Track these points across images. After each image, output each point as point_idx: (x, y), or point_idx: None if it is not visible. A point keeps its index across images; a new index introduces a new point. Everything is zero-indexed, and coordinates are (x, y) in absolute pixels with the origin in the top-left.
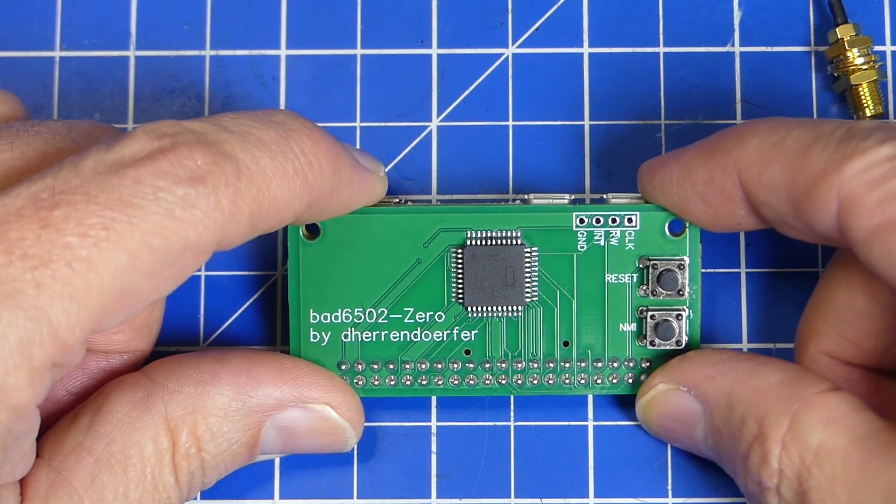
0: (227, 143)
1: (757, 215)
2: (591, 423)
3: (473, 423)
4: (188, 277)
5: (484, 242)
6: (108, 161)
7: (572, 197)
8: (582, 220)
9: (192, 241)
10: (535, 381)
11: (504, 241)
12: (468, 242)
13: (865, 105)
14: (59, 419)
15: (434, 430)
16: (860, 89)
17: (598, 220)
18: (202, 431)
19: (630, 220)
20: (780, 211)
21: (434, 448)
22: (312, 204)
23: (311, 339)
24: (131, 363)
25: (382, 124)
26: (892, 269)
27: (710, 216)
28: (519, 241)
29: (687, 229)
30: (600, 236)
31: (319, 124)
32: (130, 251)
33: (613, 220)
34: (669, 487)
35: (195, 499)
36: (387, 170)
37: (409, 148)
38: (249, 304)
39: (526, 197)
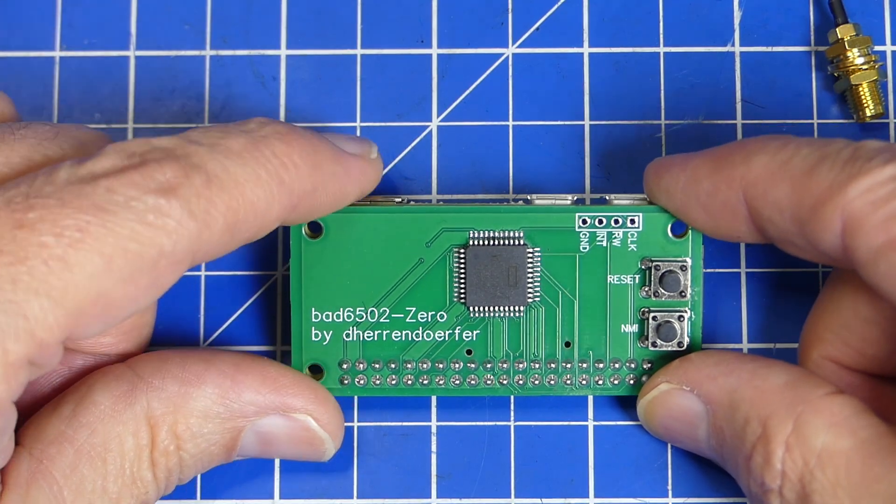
0: (196, 155)
1: (759, 232)
2: (591, 423)
3: (473, 423)
4: (166, 289)
5: (486, 242)
6: (80, 174)
7: (575, 197)
8: (584, 221)
9: (166, 250)
10: (537, 382)
11: (507, 242)
12: (471, 242)
13: (865, 105)
14: (36, 411)
15: (434, 430)
16: (860, 89)
17: (600, 221)
18: (182, 430)
19: (632, 222)
20: (784, 229)
21: (434, 448)
22: (296, 205)
23: (313, 338)
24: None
25: (382, 124)
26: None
27: (712, 226)
28: (521, 242)
29: (689, 231)
30: (603, 237)
31: (319, 124)
32: (106, 254)
33: (616, 222)
34: (669, 487)
35: (195, 499)
36: (387, 170)
37: (409, 148)
38: (249, 304)
39: (529, 197)
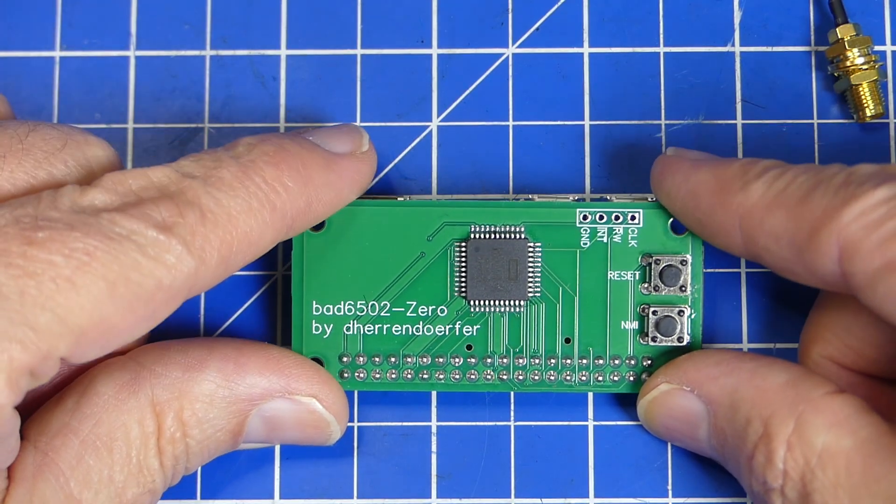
0: (190, 190)
1: (752, 257)
2: (591, 423)
3: (473, 423)
4: (160, 321)
5: (488, 236)
6: (82, 204)
7: (576, 197)
8: (585, 217)
9: (164, 283)
10: (537, 378)
11: (508, 236)
12: (472, 236)
13: (865, 105)
14: (40, 405)
15: (434, 429)
16: (860, 89)
17: (601, 217)
18: (188, 416)
19: (633, 218)
20: (782, 258)
21: (434, 448)
22: (291, 225)
23: (314, 332)
24: None
25: (382, 124)
26: None
27: (707, 238)
28: (522, 236)
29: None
30: (603, 233)
31: (319, 124)
32: (110, 280)
33: (616, 218)
34: (669, 487)
35: (195, 499)
36: (387, 170)
37: (409, 148)
38: (249, 304)
39: (529, 197)
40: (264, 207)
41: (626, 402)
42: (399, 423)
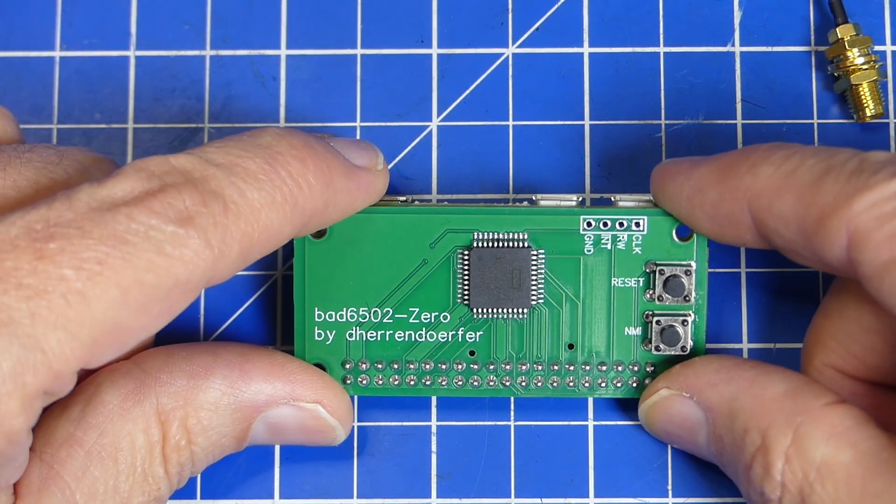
0: (214, 179)
1: (763, 240)
2: (591, 424)
3: (473, 423)
4: (177, 314)
5: (491, 244)
6: (100, 197)
7: (580, 198)
8: (589, 224)
9: (181, 279)
10: (539, 384)
11: (511, 244)
12: (475, 244)
13: (865, 105)
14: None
15: (434, 430)
16: (860, 89)
17: (605, 224)
18: (193, 424)
19: (637, 224)
20: (789, 240)
21: (434, 448)
22: (307, 223)
23: (316, 338)
24: None
25: (382, 124)
26: None
27: (717, 233)
28: (526, 244)
29: (694, 234)
30: (607, 240)
31: (319, 124)
32: (123, 286)
33: (621, 224)
34: (669, 488)
35: (195, 499)
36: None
37: (409, 148)
38: (249, 304)
39: (533, 198)
40: (287, 202)
41: (625, 402)
42: (399, 423)
